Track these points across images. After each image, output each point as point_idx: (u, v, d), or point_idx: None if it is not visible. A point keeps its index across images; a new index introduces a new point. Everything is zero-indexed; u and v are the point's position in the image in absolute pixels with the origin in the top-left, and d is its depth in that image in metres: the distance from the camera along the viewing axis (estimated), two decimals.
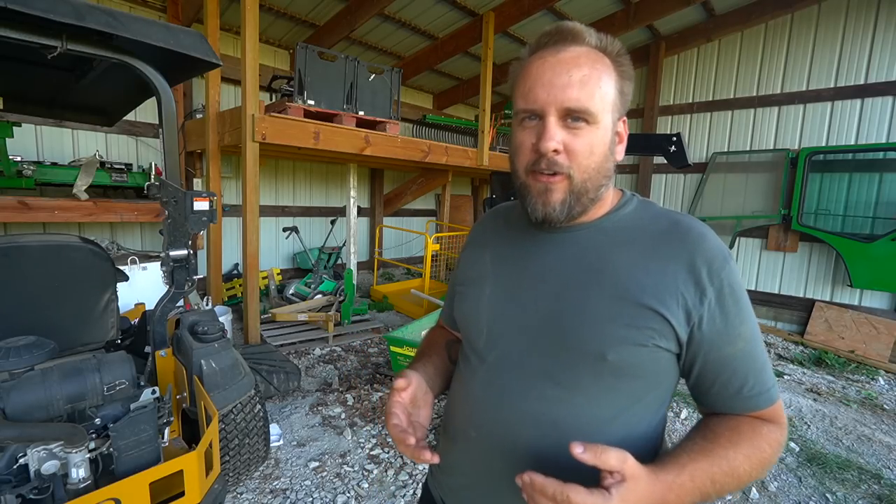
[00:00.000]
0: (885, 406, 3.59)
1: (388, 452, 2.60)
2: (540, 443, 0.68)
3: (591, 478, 0.54)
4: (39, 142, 4.29)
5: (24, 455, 1.24)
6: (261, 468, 2.38)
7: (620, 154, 0.71)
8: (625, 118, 0.71)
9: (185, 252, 1.85)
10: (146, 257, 4.03)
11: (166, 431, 1.63)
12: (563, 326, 0.68)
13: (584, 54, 0.65)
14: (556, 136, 0.64)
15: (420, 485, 2.33)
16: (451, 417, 0.85)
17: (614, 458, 0.53)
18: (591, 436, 0.65)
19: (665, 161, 4.22)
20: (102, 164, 4.11)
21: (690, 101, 6.33)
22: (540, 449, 0.68)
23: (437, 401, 2.89)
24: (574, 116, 0.64)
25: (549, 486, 0.53)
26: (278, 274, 5.86)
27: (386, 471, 2.44)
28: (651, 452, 0.70)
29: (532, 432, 0.69)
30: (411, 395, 0.74)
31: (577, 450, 0.53)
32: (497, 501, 0.75)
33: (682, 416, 3.22)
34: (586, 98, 0.63)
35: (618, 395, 0.67)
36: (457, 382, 0.85)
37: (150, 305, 2.14)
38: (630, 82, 0.70)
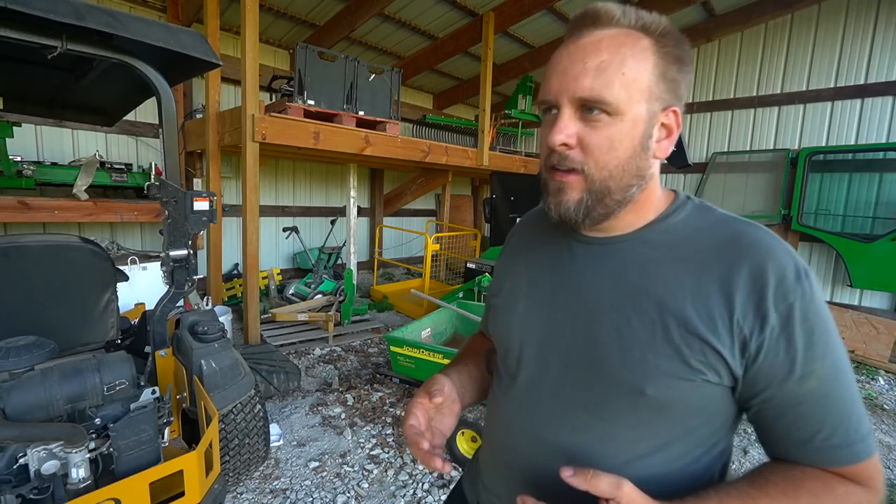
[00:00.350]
0: (885, 406, 3.59)
1: (388, 452, 2.60)
2: None
3: None
4: (39, 142, 4.29)
5: (24, 455, 1.24)
6: (261, 468, 2.38)
7: (664, 150, 0.62)
8: (676, 108, 0.61)
9: (185, 252, 1.85)
10: (146, 257, 4.03)
11: (166, 431, 1.63)
12: (599, 354, 0.61)
13: (608, 37, 0.57)
14: (565, 129, 0.58)
15: (420, 485, 2.33)
16: (490, 433, 0.81)
17: (606, 484, 0.50)
18: (625, 470, 0.57)
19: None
20: (102, 164, 4.11)
21: (690, 101, 6.33)
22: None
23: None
24: (591, 107, 0.57)
25: None
26: (278, 274, 5.86)
27: (386, 471, 2.44)
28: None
29: (563, 463, 0.61)
30: (439, 403, 0.71)
31: (566, 473, 0.51)
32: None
33: None
34: (602, 86, 0.56)
35: (659, 429, 0.60)
36: (493, 398, 0.81)
37: (150, 305, 2.14)
38: (681, 65, 0.60)
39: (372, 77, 4.40)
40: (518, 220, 0.91)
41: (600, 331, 0.62)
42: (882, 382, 4.11)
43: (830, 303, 5.26)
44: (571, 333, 0.65)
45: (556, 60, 0.60)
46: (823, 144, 5.31)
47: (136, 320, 2.42)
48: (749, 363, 0.55)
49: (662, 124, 0.61)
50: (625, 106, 0.57)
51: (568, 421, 0.64)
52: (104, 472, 1.42)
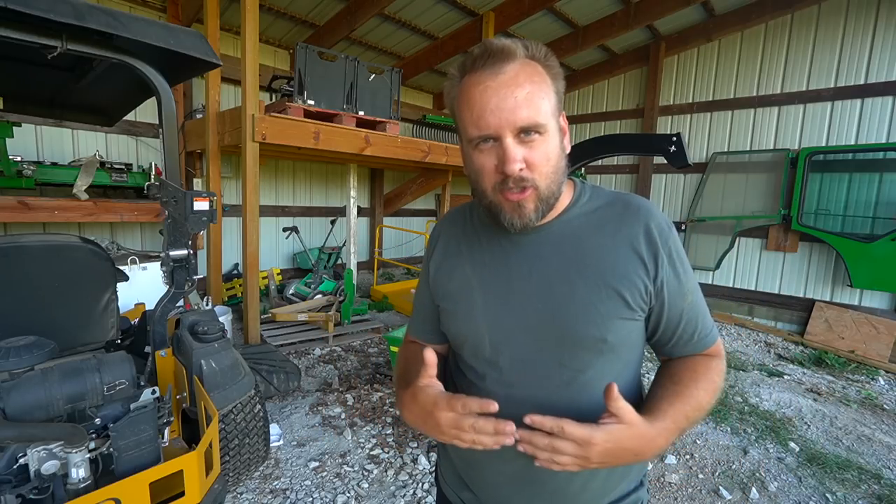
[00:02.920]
0: (885, 406, 3.59)
1: (388, 452, 2.60)
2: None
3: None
4: (39, 142, 4.29)
5: (24, 455, 1.24)
6: (261, 468, 2.38)
7: (568, 146, 0.76)
8: (563, 112, 0.75)
9: (185, 252, 1.85)
10: (146, 257, 4.03)
11: (166, 431, 1.63)
12: (563, 320, 0.73)
13: (521, 69, 0.68)
14: (517, 155, 0.67)
15: (420, 485, 2.33)
16: None
17: (620, 407, 0.63)
18: (599, 401, 0.74)
19: (665, 161, 4.22)
20: (102, 164, 4.11)
21: (690, 101, 6.33)
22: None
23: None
24: (527, 131, 0.67)
25: (547, 421, 0.61)
26: (278, 274, 5.86)
27: (386, 471, 2.44)
28: (637, 398, 0.82)
29: (560, 414, 0.73)
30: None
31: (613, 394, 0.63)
32: (541, 484, 0.79)
33: None
34: (535, 113, 0.67)
35: (616, 363, 0.77)
36: (464, 393, 0.83)
37: (150, 305, 2.14)
38: (562, 80, 0.73)
39: (372, 77, 4.40)
40: (434, 228, 0.94)
41: (557, 301, 0.74)
42: (882, 382, 4.11)
43: (830, 303, 5.27)
44: (535, 310, 0.76)
45: (483, 99, 0.67)
46: (823, 144, 5.31)
47: (136, 320, 2.42)
48: (657, 291, 0.74)
49: (561, 127, 0.74)
50: (548, 124, 0.69)
51: (554, 381, 0.76)
52: (104, 472, 1.42)
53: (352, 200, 5.20)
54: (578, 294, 0.73)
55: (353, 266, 5.25)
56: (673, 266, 0.74)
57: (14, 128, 3.45)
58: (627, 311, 0.73)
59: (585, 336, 0.73)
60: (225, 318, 3.71)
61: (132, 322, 2.50)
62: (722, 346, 0.82)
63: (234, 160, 5.38)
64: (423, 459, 2.52)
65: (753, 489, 2.43)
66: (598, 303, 0.72)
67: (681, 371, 0.76)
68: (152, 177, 4.31)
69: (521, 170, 0.68)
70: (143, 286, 3.53)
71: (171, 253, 1.82)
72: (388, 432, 2.80)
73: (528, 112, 0.66)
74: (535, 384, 0.76)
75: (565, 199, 0.79)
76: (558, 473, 0.76)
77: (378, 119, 4.47)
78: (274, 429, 2.65)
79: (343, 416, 2.98)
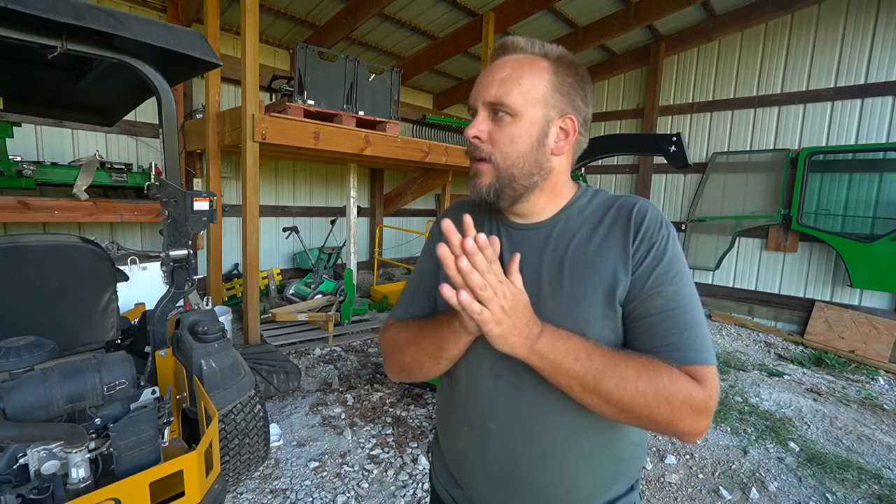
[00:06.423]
0: (885, 406, 3.59)
1: (388, 452, 2.60)
2: (551, 419, 0.75)
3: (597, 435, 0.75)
4: (39, 142, 4.28)
5: (24, 455, 1.24)
6: (261, 468, 2.38)
7: (561, 148, 0.77)
8: (572, 116, 0.76)
9: (185, 252, 1.85)
10: (146, 257, 4.03)
11: (166, 431, 1.63)
12: (549, 315, 0.73)
13: (514, 60, 0.75)
14: (478, 125, 0.75)
15: (420, 485, 2.33)
16: (458, 424, 0.85)
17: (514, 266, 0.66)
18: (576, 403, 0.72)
19: (665, 161, 4.22)
20: (102, 164, 4.11)
21: (690, 101, 6.33)
22: (553, 427, 0.75)
23: (429, 405, 2.83)
24: (497, 110, 0.74)
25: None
26: (278, 274, 5.86)
27: (386, 471, 2.44)
28: None
29: (544, 411, 0.75)
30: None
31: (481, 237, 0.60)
32: (528, 482, 0.78)
33: None
34: (503, 94, 0.73)
35: None
36: (454, 386, 0.85)
37: (150, 305, 2.14)
38: (574, 82, 0.75)
39: (372, 77, 4.40)
40: (442, 214, 0.95)
41: (545, 297, 0.75)
42: (882, 382, 4.11)
43: (830, 303, 5.27)
44: None
45: (478, 78, 0.78)
46: (823, 144, 5.31)
47: (136, 320, 2.42)
48: (631, 285, 0.72)
49: (560, 128, 0.76)
50: (521, 109, 0.73)
51: (537, 373, 0.72)
52: (104, 472, 1.42)
53: (352, 200, 5.20)
54: (565, 291, 0.74)
55: (353, 266, 5.25)
56: (648, 260, 0.71)
57: (14, 128, 3.45)
58: (611, 312, 0.72)
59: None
60: (225, 318, 3.71)
61: (132, 322, 2.50)
62: (711, 379, 0.67)
63: (234, 160, 5.38)
64: (422, 459, 2.52)
65: (753, 489, 2.43)
66: (581, 301, 0.72)
67: (633, 353, 0.69)
68: (152, 177, 4.31)
69: (476, 138, 0.75)
70: (143, 286, 3.53)
71: (171, 253, 1.82)
72: (388, 432, 2.80)
73: (496, 91, 0.73)
74: (526, 378, 0.76)
75: (562, 199, 0.81)
76: (546, 470, 0.77)
77: (378, 119, 4.47)
78: (274, 429, 2.65)
79: (343, 416, 2.98)
